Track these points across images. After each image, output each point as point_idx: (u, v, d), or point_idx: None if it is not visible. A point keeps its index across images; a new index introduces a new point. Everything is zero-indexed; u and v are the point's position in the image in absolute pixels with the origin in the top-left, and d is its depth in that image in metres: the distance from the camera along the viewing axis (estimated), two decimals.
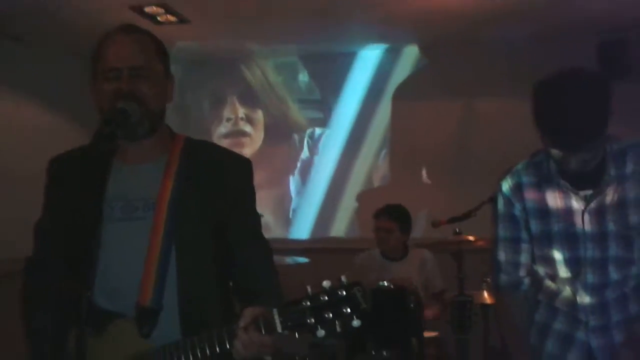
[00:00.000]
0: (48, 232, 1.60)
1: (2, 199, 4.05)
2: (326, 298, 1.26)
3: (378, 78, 5.04)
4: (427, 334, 3.29)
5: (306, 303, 1.27)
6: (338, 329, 1.26)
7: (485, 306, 3.38)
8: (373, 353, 2.91)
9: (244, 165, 1.67)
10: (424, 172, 4.94)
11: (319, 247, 4.85)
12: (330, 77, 5.16)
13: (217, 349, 1.36)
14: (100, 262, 1.51)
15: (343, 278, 1.28)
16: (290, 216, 5.23)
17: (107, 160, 1.57)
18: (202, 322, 1.48)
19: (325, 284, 1.28)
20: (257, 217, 1.70)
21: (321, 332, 1.26)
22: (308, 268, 3.93)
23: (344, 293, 1.26)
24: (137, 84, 1.51)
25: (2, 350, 3.25)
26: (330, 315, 1.25)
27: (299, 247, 4.75)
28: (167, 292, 1.49)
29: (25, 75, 4.36)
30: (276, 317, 1.29)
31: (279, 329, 1.28)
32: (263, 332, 1.31)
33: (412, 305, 3.05)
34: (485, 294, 3.36)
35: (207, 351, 1.36)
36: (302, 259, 3.85)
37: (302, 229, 5.19)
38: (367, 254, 3.85)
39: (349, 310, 1.25)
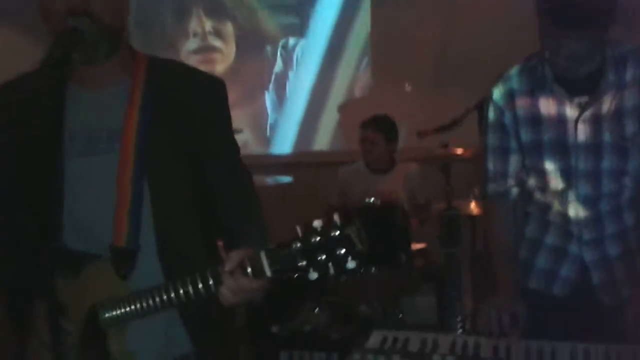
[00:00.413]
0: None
1: None
2: (318, 239, 1.15)
3: None
4: (414, 246, 3.26)
5: (296, 245, 1.16)
6: (331, 271, 1.16)
7: (472, 217, 3.35)
8: (361, 271, 2.87)
9: (218, 87, 1.51)
10: (407, 82, 4.76)
11: (302, 162, 4.76)
12: None
13: (203, 293, 1.26)
14: (67, 202, 1.38)
15: (336, 217, 1.17)
16: (269, 132, 5.07)
17: (61, 88, 1.39)
18: (183, 261, 1.39)
19: (317, 223, 1.17)
20: (235, 145, 1.56)
21: (313, 275, 1.16)
22: (292, 186, 3.87)
23: (337, 233, 1.15)
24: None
25: None
26: (323, 257, 1.15)
27: (280, 162, 4.65)
28: (143, 230, 1.37)
29: None
30: (264, 260, 1.19)
31: (268, 273, 1.19)
32: (251, 276, 1.21)
33: (399, 221, 3.00)
34: (473, 205, 3.32)
35: (192, 295, 1.26)
36: (285, 178, 3.75)
37: (282, 145, 5.05)
38: (352, 167, 3.78)
39: (343, 251, 1.15)
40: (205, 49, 5.00)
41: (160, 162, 1.40)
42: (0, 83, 1.49)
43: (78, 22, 1.28)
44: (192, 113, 1.44)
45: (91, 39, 1.30)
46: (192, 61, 4.81)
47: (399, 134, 3.69)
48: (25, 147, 1.31)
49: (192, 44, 5.03)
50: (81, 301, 1.33)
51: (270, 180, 3.69)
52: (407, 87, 4.78)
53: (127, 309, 1.30)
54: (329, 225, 1.17)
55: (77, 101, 1.41)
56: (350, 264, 1.16)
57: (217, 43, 5.00)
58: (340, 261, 1.15)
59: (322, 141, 5.02)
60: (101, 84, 1.41)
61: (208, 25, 4.97)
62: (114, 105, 1.41)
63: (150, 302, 1.29)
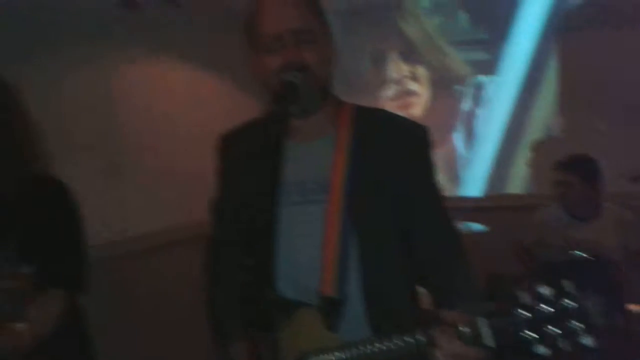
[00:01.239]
0: (225, 213, 1.55)
1: (176, 158, 4.22)
2: (549, 308, 1.03)
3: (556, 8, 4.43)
4: (634, 307, 2.87)
5: (522, 313, 1.05)
6: (563, 346, 1.03)
7: None
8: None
9: (423, 134, 1.49)
10: (601, 119, 4.34)
11: (494, 206, 4.53)
12: (494, 13, 4.65)
13: (414, 353, 1.20)
14: (280, 249, 1.43)
15: (566, 284, 1.04)
16: (459, 174, 4.92)
17: (280, 139, 1.45)
18: (390, 312, 1.39)
19: (546, 290, 1.05)
20: (440, 194, 1.51)
21: (541, 350, 1.05)
22: (485, 233, 3.69)
23: (572, 304, 1.02)
24: (304, 51, 1.35)
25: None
26: (556, 330, 1.03)
27: (471, 206, 4.48)
28: (350, 280, 1.38)
29: (181, 40, 4.30)
30: (484, 327, 1.10)
31: (491, 343, 1.09)
32: (469, 344, 1.12)
33: (613, 277, 2.68)
34: None
35: (402, 354, 1.21)
36: (478, 226, 3.58)
37: (473, 187, 4.87)
38: (549, 211, 3.41)
39: (578, 325, 1.01)
40: (403, 94, 5.03)
41: (367, 210, 1.40)
42: (223, 130, 1.60)
43: (293, 77, 1.32)
44: (398, 160, 1.43)
45: (305, 92, 1.34)
46: (391, 107, 4.87)
47: (602, 176, 3.29)
48: (246, 192, 1.38)
49: (389, 90, 5.09)
50: (291, 349, 1.35)
51: (462, 226, 3.55)
52: (602, 125, 4.34)
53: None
54: (560, 292, 1.04)
55: (290, 153, 1.46)
56: (586, 340, 1.02)
57: (413, 87, 5.02)
58: (575, 336, 1.02)
59: (516, 183, 4.75)
60: (310, 136, 1.45)
61: (405, 69, 5.02)
62: (323, 156, 1.44)
63: (358, 355, 1.26)
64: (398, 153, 1.42)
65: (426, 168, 1.49)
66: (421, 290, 1.50)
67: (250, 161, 1.46)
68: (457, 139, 4.91)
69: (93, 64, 3.59)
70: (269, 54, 1.36)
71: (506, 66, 4.68)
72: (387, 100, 5.04)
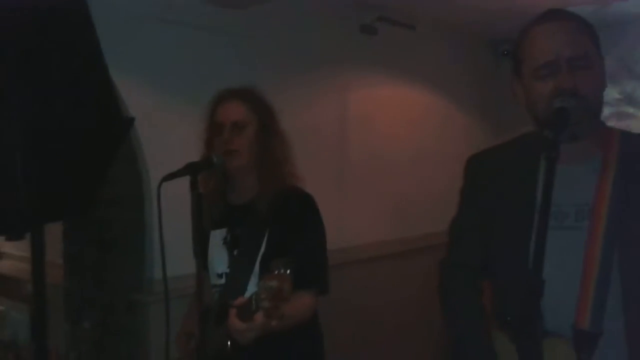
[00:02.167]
0: (464, 234, 1.59)
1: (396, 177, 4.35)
2: None
3: None
4: None
5: None
6: None
7: None
8: None
9: None
10: None
11: None
12: None
13: None
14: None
15: None
16: None
17: (536, 163, 1.43)
18: None
19: None
20: None
21: None
22: None
23: None
24: (577, 77, 1.33)
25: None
26: None
27: None
28: (609, 314, 1.32)
29: (418, 62, 4.52)
30: None
31: None
32: None
33: None
34: None
35: None
36: None
37: None
38: None
39: None
40: (619, 116, 4.64)
41: (632, 240, 1.33)
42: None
43: (565, 102, 1.30)
44: None
45: (577, 118, 1.31)
46: None
47: None
48: (496, 215, 1.38)
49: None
50: None
51: None
52: None
53: None
54: None
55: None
56: None
57: (630, 110, 4.62)
58: None
59: None
60: (573, 160, 1.40)
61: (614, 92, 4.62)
62: (585, 181, 1.39)
63: None
64: None
65: None
66: None
67: (502, 183, 1.45)
68: None
69: (335, 86, 3.89)
70: (540, 80, 1.36)
71: None
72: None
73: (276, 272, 1.45)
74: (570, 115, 1.27)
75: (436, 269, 1.66)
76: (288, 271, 1.44)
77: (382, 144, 4.26)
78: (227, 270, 2.02)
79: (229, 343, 1.76)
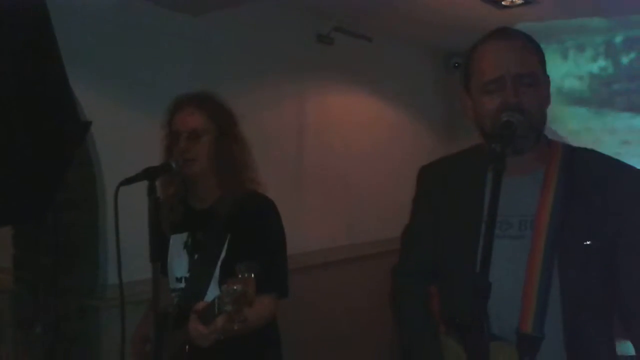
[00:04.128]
0: (417, 241, 1.64)
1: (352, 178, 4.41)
2: None
3: None
4: None
5: None
6: None
7: None
8: None
9: (636, 176, 1.46)
10: None
11: None
12: None
13: None
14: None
15: None
16: None
17: (483, 175, 1.48)
18: (589, 353, 1.38)
19: None
20: None
21: None
22: None
23: None
24: (522, 94, 1.39)
25: None
26: None
27: None
28: (549, 319, 1.37)
29: (373, 72, 4.59)
30: None
31: None
32: None
33: None
34: None
35: None
36: None
37: None
38: None
39: None
40: None
41: (571, 252, 1.39)
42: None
43: (512, 117, 1.36)
44: (615, 203, 1.40)
45: (522, 132, 1.36)
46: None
47: None
48: (446, 223, 1.43)
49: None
50: None
51: None
52: None
53: None
54: None
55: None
56: None
57: None
58: None
59: None
60: (517, 172, 1.45)
61: None
62: (528, 193, 1.45)
63: None
64: (614, 196, 1.39)
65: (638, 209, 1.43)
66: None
67: (452, 192, 1.50)
68: None
69: (291, 94, 3.88)
70: (488, 94, 1.41)
71: None
72: None
73: (240, 276, 1.46)
74: (516, 129, 1.32)
75: (389, 275, 1.70)
76: (252, 275, 1.46)
77: (336, 151, 4.34)
78: (187, 275, 2.03)
79: (186, 347, 1.77)
